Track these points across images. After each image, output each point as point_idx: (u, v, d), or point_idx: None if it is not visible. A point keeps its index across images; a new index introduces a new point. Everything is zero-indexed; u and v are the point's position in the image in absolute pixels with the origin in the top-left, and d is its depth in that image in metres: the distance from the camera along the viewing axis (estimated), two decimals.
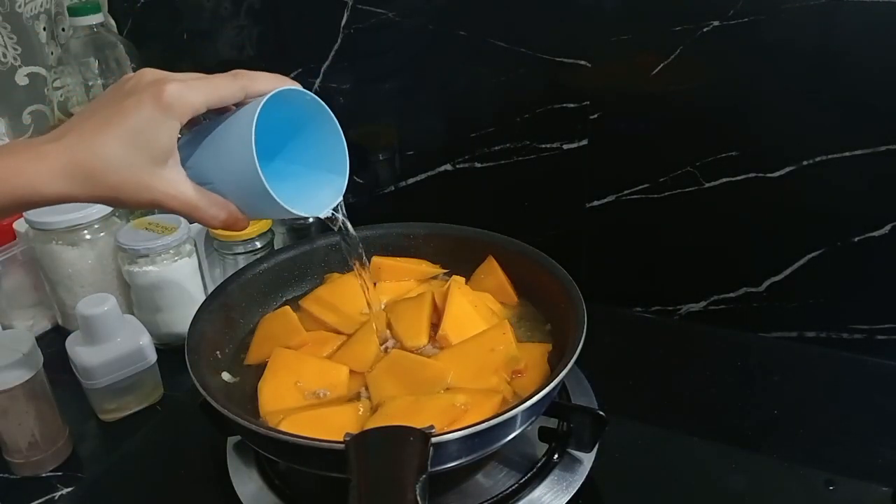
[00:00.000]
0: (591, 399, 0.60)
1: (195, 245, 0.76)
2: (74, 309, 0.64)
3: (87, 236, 0.73)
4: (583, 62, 0.70)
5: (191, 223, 0.63)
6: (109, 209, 0.73)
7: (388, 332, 0.60)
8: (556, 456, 0.55)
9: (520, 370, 0.55)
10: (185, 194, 0.43)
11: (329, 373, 0.56)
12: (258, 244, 0.77)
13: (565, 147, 0.75)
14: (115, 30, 0.93)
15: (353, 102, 0.83)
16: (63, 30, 0.92)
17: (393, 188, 0.87)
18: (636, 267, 0.78)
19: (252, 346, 0.61)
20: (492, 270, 0.65)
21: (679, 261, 0.76)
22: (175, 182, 0.43)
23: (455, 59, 0.77)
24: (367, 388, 0.55)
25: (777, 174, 0.67)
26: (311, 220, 0.82)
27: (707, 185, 0.70)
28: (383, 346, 0.58)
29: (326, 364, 0.57)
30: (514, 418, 0.46)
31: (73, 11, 0.86)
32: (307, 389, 0.54)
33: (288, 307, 0.63)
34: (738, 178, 0.69)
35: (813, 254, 0.69)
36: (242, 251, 0.77)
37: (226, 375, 0.57)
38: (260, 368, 0.57)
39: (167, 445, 0.64)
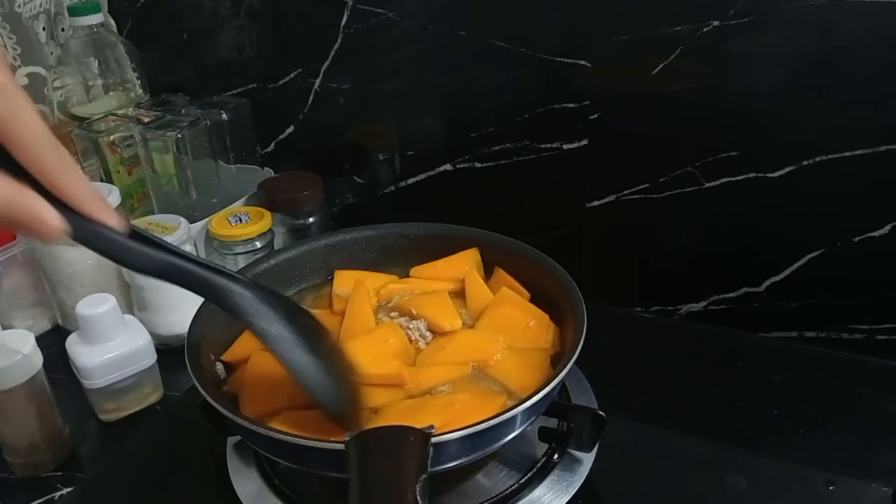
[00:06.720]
0: (591, 399, 0.60)
1: (195, 245, 0.76)
2: (74, 309, 0.64)
3: None
4: (583, 62, 0.70)
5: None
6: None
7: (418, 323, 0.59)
8: (555, 456, 0.55)
9: None
10: None
11: None
12: (258, 244, 0.77)
13: (565, 147, 0.75)
14: (115, 30, 0.93)
15: (353, 102, 0.83)
16: (63, 30, 0.92)
17: (393, 188, 0.87)
18: (636, 267, 0.78)
19: (236, 343, 0.59)
20: (499, 279, 0.64)
21: (679, 261, 0.76)
22: None
23: (455, 59, 0.77)
24: None
25: (777, 174, 0.67)
26: (311, 220, 0.82)
27: (707, 185, 0.70)
28: (418, 341, 0.58)
29: None
30: (514, 418, 0.46)
31: (73, 11, 0.86)
32: (289, 393, 0.52)
33: None
34: (738, 178, 0.69)
35: (813, 254, 0.69)
36: (242, 251, 0.77)
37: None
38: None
39: (167, 445, 0.63)
